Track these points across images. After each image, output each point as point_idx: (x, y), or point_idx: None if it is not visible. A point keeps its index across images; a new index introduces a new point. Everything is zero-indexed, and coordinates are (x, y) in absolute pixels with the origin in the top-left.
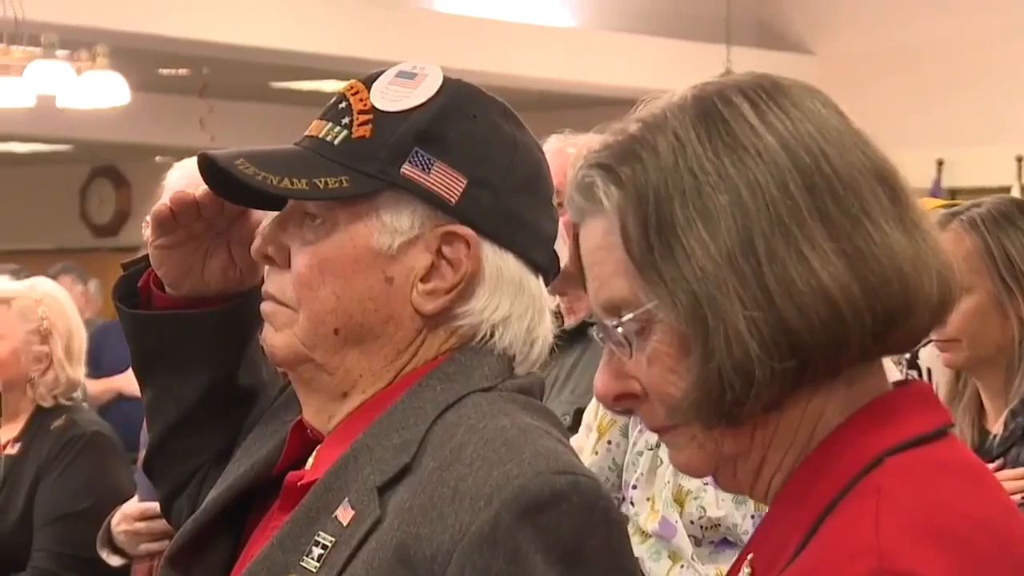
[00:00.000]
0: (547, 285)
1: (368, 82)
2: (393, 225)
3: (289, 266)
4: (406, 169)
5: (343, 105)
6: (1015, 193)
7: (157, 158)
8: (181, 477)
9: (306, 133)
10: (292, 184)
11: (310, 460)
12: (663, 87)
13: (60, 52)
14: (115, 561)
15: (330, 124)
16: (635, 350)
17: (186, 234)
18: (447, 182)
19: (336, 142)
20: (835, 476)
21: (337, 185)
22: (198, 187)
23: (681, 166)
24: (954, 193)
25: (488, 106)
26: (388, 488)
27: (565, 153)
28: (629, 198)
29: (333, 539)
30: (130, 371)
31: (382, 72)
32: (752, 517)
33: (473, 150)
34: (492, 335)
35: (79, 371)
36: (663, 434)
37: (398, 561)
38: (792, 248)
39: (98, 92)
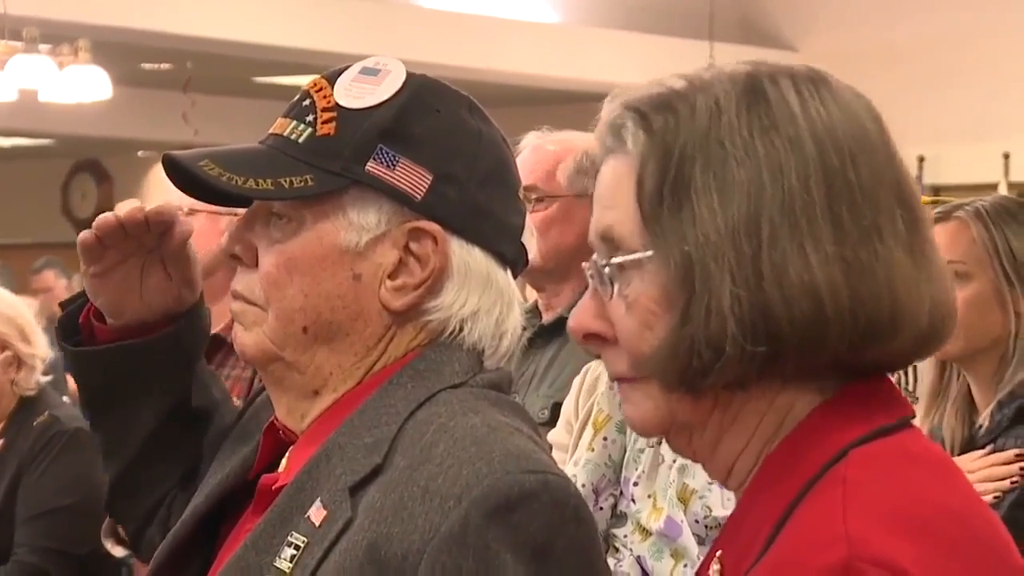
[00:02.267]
0: (515, 277)
1: (332, 79)
2: (359, 222)
3: (257, 265)
4: (371, 166)
5: (307, 103)
6: (1002, 189)
7: (139, 153)
8: (148, 508)
9: (271, 131)
10: (257, 184)
11: (283, 462)
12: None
13: (42, 46)
14: (119, 551)
15: (294, 122)
16: (616, 294)
17: (116, 257)
18: (412, 178)
19: (300, 140)
20: (801, 470)
21: (302, 184)
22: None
23: (712, 133)
24: (938, 190)
25: (452, 100)
26: (360, 488)
27: (544, 149)
28: (654, 147)
29: (305, 539)
30: None
31: (345, 68)
32: None
33: (437, 145)
34: (461, 330)
35: (42, 345)
36: (622, 384)
37: (369, 561)
38: (795, 240)
39: (80, 86)
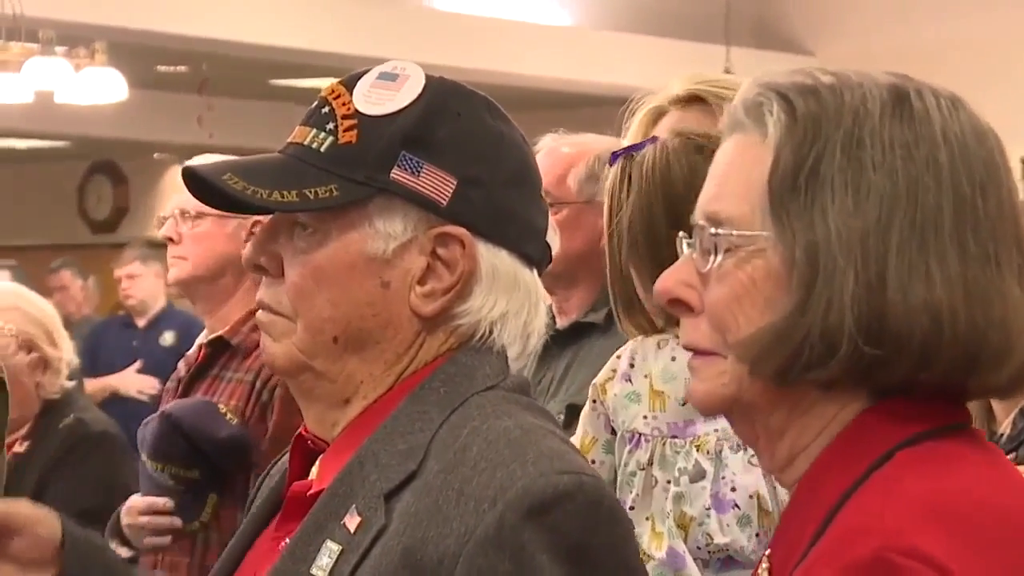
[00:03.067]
0: (540, 276)
1: (349, 85)
2: (386, 230)
3: (282, 275)
4: (395, 174)
5: (326, 110)
6: (1021, 193)
7: (155, 155)
8: None
9: (290, 140)
10: (283, 197)
11: (314, 470)
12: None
13: (58, 48)
14: (123, 552)
15: (314, 130)
16: (716, 264)
17: None
18: (437, 184)
19: (322, 149)
20: (849, 470)
21: (327, 194)
22: None
23: (855, 132)
24: None
25: (472, 102)
26: (394, 494)
27: (559, 152)
28: (795, 132)
29: (341, 547)
30: (126, 371)
31: (363, 74)
32: (758, 536)
33: (460, 149)
34: (491, 332)
35: (68, 348)
36: (695, 357)
37: (404, 566)
38: (922, 256)
39: (96, 88)
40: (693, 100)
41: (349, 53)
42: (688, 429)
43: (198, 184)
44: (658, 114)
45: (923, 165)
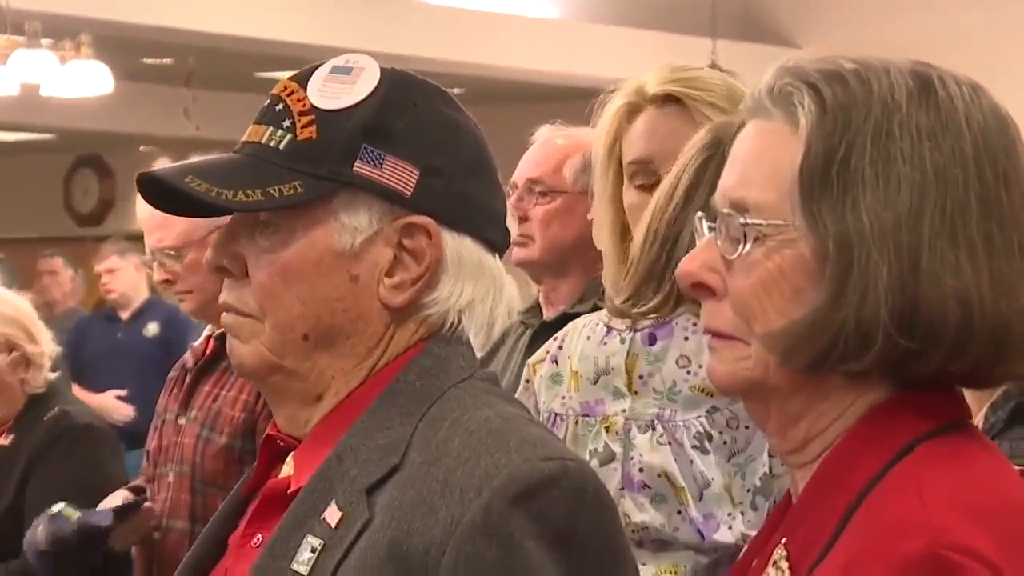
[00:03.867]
0: (500, 260)
1: (302, 81)
2: (352, 224)
3: (246, 275)
4: (358, 167)
5: (280, 107)
6: None
7: (141, 147)
8: None
9: (244, 139)
10: (247, 196)
11: (286, 467)
12: None
13: (44, 41)
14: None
15: (271, 128)
16: (743, 253)
17: None
18: (400, 175)
19: (281, 147)
20: (867, 463)
21: (292, 192)
22: None
23: (884, 124)
24: None
25: (426, 91)
26: (376, 489)
27: (554, 143)
28: (826, 123)
29: (322, 541)
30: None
31: (315, 69)
32: (680, 513)
33: (420, 139)
34: (459, 321)
35: (48, 341)
36: (715, 339)
37: (390, 558)
38: (952, 247)
39: (82, 81)
40: (669, 100)
41: (335, 46)
42: (598, 408)
43: (153, 189)
44: (632, 110)
45: (950, 155)
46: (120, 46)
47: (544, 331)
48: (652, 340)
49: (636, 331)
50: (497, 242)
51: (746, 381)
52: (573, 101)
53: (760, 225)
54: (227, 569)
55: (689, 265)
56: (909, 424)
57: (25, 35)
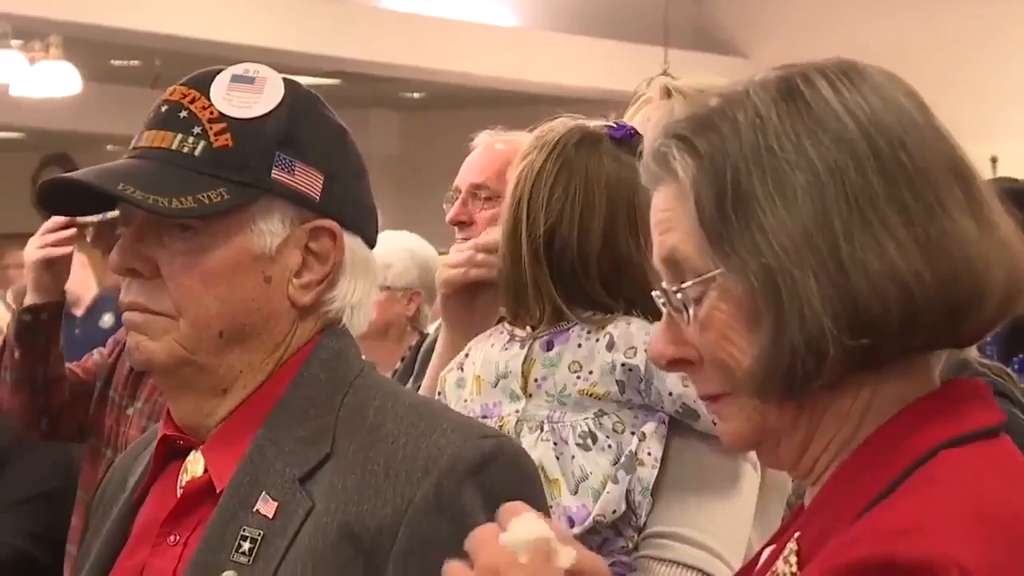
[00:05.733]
0: None
1: (201, 88)
2: (268, 228)
3: (158, 276)
4: (275, 174)
5: (184, 114)
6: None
7: (108, 147)
8: None
9: (146, 144)
10: (182, 203)
11: (193, 466)
12: (603, 87)
13: (14, 42)
14: None
15: (179, 135)
16: (692, 317)
17: None
18: (309, 180)
19: (197, 153)
20: (891, 464)
21: (219, 198)
22: None
23: (761, 143)
24: None
25: (316, 100)
26: (308, 477)
27: (493, 149)
28: (705, 169)
29: (260, 531)
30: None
31: (210, 78)
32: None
33: (321, 146)
34: (351, 315)
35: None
36: (712, 403)
37: (342, 538)
38: (868, 231)
39: (51, 82)
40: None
41: (298, 50)
42: (495, 409)
43: (55, 193)
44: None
45: (834, 146)
46: (88, 48)
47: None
48: (550, 346)
49: (536, 338)
50: (374, 240)
51: (752, 431)
52: (530, 107)
53: (692, 287)
54: (144, 565)
55: (659, 347)
56: (938, 428)
57: None
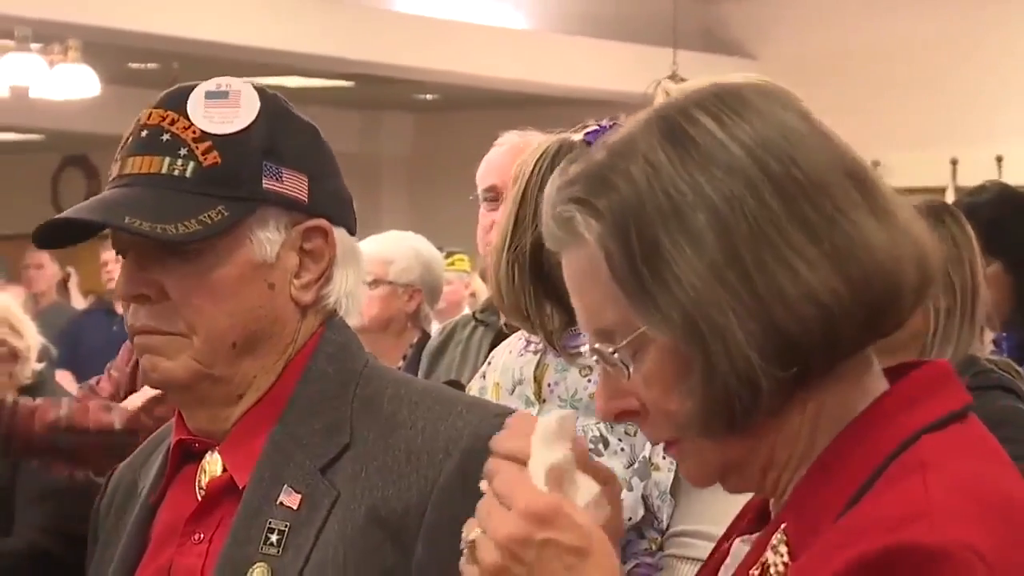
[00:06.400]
0: None
1: (177, 109)
2: (266, 236)
3: (166, 298)
4: (266, 184)
5: (167, 137)
6: (949, 194)
7: None
8: None
9: (131, 171)
10: (187, 227)
11: (212, 466)
12: (613, 88)
13: (33, 45)
14: None
15: (167, 158)
16: (632, 372)
17: None
18: (296, 184)
19: (188, 174)
20: (872, 452)
21: (219, 217)
22: None
23: (656, 189)
24: None
25: (284, 103)
26: (329, 467)
27: (519, 149)
28: (609, 228)
29: (287, 523)
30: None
31: (183, 97)
32: None
33: (299, 148)
34: (345, 305)
35: (33, 334)
36: (668, 448)
37: (370, 523)
38: (776, 256)
39: (70, 84)
40: None
41: (313, 53)
42: None
43: (57, 230)
44: None
45: (727, 177)
46: (107, 51)
47: (502, 335)
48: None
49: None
50: (355, 228)
51: (713, 467)
52: (541, 108)
53: (622, 347)
54: (171, 565)
55: (604, 404)
56: (914, 414)
57: (15, 39)
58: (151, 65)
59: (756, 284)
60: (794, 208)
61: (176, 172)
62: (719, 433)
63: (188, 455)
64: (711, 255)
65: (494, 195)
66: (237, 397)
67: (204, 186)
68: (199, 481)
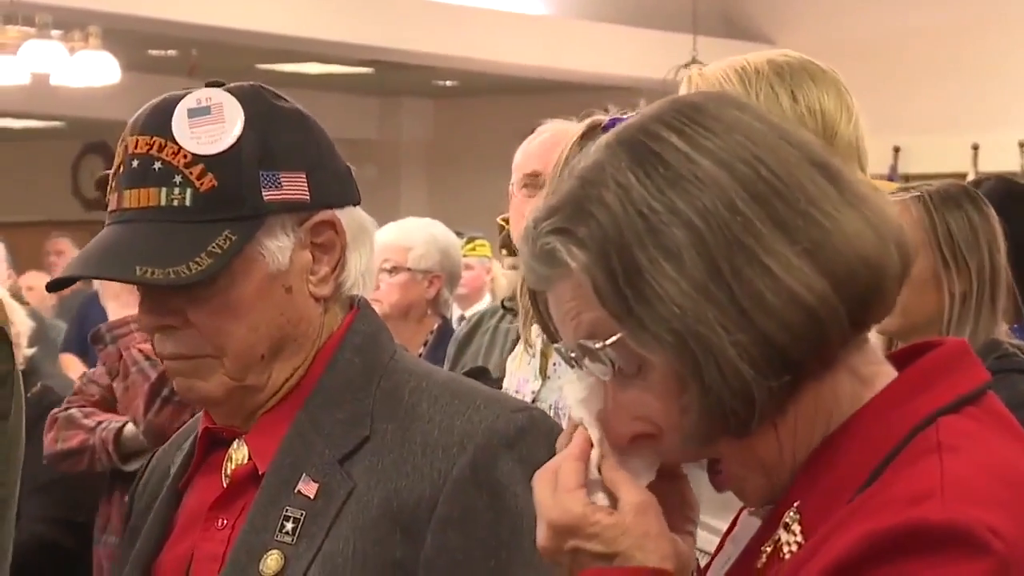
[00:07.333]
0: None
1: (162, 134)
2: (277, 246)
3: (189, 325)
4: (266, 195)
5: (158, 166)
6: (970, 179)
7: None
8: None
9: (130, 206)
10: (200, 264)
11: (238, 453)
12: (633, 74)
13: (54, 32)
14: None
15: (163, 189)
16: (639, 391)
17: None
18: (296, 185)
19: (188, 203)
20: (887, 434)
21: (227, 242)
22: None
23: (630, 210)
24: (908, 178)
25: (266, 97)
26: (348, 458)
27: (561, 135)
28: (593, 256)
29: (302, 512)
30: None
31: (166, 118)
32: None
33: (291, 145)
34: (362, 283)
35: (22, 319)
36: (693, 466)
37: (383, 514)
38: (755, 262)
39: (90, 71)
40: None
41: (332, 39)
42: (523, 386)
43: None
44: None
45: (698, 191)
46: (127, 38)
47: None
48: None
49: None
50: (358, 198)
51: (755, 471)
52: (561, 94)
53: (615, 370)
54: (194, 549)
55: (614, 435)
56: (929, 395)
57: (36, 26)
58: (171, 52)
59: (738, 295)
60: (768, 210)
61: (175, 202)
62: (722, 438)
63: (216, 442)
64: (691, 270)
65: (536, 181)
66: (269, 395)
67: (206, 212)
68: (225, 469)
